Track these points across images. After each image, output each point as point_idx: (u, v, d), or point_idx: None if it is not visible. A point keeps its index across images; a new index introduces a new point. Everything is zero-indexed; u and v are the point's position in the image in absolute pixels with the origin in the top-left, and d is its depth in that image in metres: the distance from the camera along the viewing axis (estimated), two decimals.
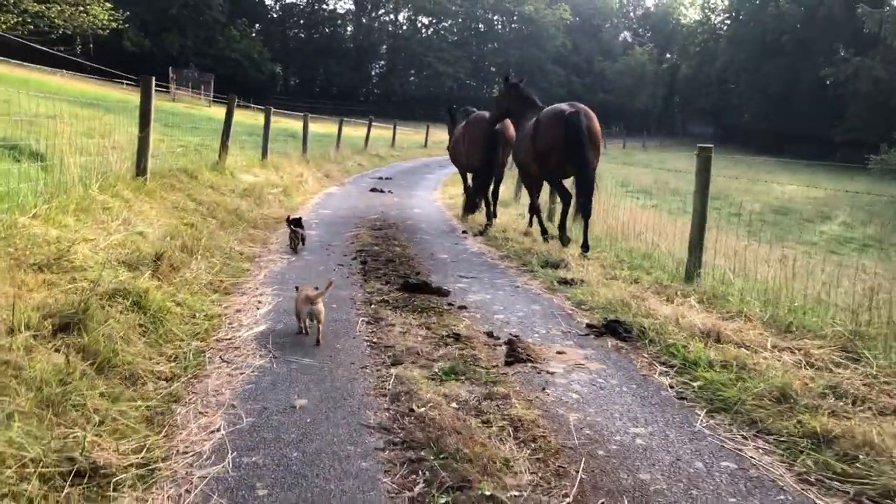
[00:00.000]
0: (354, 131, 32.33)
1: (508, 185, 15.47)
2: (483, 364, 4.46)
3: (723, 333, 5.01)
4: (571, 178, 9.24)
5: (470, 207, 12.54)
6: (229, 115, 13.14)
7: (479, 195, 11.90)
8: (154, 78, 8.70)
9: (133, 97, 37.99)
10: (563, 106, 9.05)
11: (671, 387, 4.33)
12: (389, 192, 17.40)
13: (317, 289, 4.98)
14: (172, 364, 4.08)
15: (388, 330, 5.13)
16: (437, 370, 4.30)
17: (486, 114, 11.99)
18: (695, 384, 4.32)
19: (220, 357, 4.37)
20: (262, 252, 8.01)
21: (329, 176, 19.25)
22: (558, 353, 4.79)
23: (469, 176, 12.60)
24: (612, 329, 5.28)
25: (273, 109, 18.75)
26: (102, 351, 3.68)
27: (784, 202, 32.21)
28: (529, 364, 4.48)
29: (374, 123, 30.47)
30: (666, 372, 4.55)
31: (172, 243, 6.32)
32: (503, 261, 8.42)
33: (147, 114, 8.58)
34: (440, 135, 44.48)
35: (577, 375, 4.40)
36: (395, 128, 34.32)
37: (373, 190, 17.45)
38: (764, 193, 34.90)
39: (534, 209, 10.70)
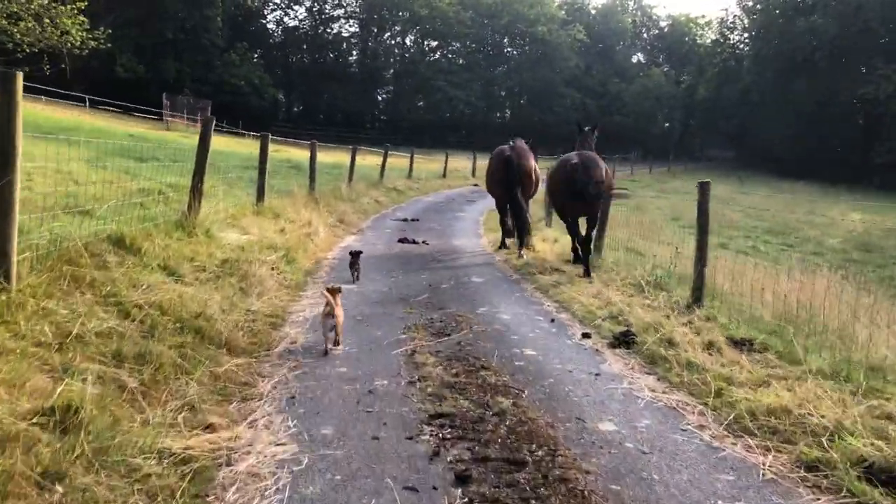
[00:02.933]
0: (363, 160, 28.04)
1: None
2: None
3: None
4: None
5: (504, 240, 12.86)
6: (204, 146, 8.88)
7: (514, 232, 11.99)
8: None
9: (117, 126, 33.93)
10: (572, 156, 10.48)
11: None
12: (424, 242, 13.19)
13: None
14: None
15: None
16: None
17: (506, 147, 12.12)
18: None
19: None
20: (233, 441, 3.69)
21: (344, 221, 15.01)
22: None
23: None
24: None
25: (274, 138, 14.74)
26: None
27: (861, 236, 27.92)
28: None
29: (378, 150, 26.32)
30: None
31: None
32: (721, 429, 4.09)
33: (6, 141, 4.29)
34: (459, 163, 40.41)
35: None
36: (412, 157, 30.15)
37: (402, 241, 13.23)
38: (830, 226, 30.72)
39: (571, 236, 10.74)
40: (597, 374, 5.29)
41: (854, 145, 60.06)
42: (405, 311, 7.19)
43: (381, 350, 5.70)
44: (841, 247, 25.09)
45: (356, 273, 8.83)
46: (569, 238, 11.00)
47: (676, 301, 7.81)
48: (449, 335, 6.26)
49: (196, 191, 8.71)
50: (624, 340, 6.09)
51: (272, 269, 8.48)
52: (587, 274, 9.56)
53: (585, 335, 6.44)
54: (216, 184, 13.38)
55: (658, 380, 5.19)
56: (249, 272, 7.43)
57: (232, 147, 29.82)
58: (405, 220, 17.04)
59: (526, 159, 11.95)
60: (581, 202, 9.95)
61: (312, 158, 16.97)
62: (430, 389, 4.70)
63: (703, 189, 7.87)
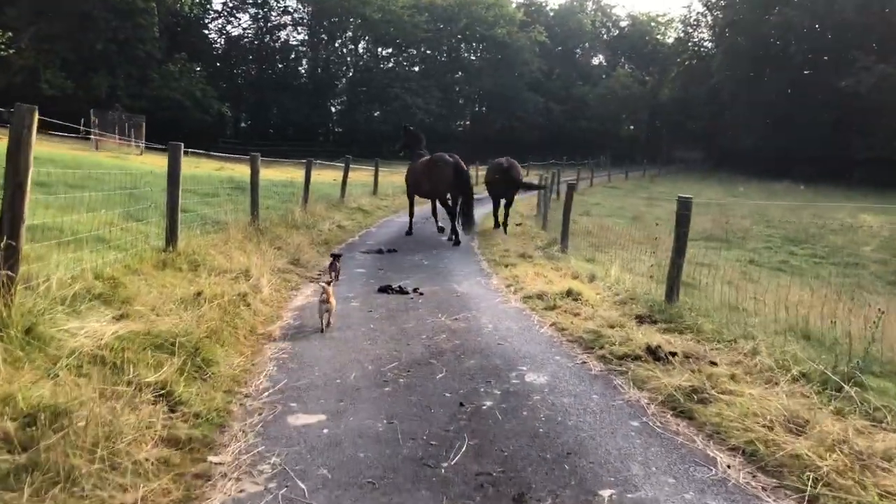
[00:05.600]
0: (320, 176, 23.77)
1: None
2: None
3: None
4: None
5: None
6: (15, 164, 4.63)
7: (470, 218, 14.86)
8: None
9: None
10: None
11: None
12: (416, 291, 9.15)
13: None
14: None
15: None
16: None
17: (446, 155, 14.63)
18: None
19: None
20: None
21: (299, 261, 10.79)
22: None
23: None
24: None
25: (217, 154, 10.59)
26: None
27: (891, 242, 24.64)
28: None
29: (335, 164, 22.09)
30: None
31: None
32: None
33: None
34: None
35: None
36: (376, 170, 26.00)
37: (384, 290, 9.15)
38: (850, 231, 27.41)
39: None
40: None
41: (831, 141, 57.45)
42: None
43: None
44: (878, 256, 21.73)
45: (335, 273, 9.15)
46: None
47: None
48: None
49: (9, 262, 4.47)
50: None
51: (160, 395, 4.32)
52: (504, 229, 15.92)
53: None
54: (115, 220, 9.17)
55: None
56: (79, 452, 3.21)
57: (165, 167, 25.29)
58: (380, 251, 12.98)
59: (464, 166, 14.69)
60: (512, 189, 16.05)
61: (254, 176, 12.78)
62: None
63: None
